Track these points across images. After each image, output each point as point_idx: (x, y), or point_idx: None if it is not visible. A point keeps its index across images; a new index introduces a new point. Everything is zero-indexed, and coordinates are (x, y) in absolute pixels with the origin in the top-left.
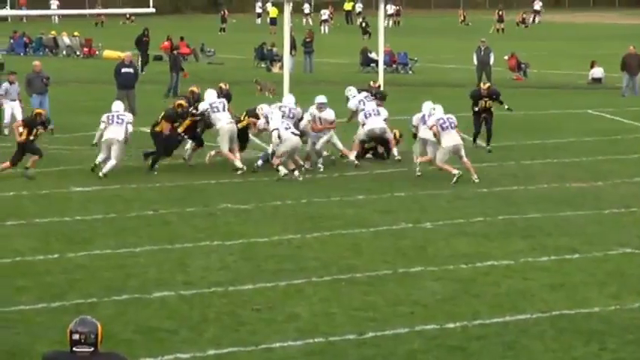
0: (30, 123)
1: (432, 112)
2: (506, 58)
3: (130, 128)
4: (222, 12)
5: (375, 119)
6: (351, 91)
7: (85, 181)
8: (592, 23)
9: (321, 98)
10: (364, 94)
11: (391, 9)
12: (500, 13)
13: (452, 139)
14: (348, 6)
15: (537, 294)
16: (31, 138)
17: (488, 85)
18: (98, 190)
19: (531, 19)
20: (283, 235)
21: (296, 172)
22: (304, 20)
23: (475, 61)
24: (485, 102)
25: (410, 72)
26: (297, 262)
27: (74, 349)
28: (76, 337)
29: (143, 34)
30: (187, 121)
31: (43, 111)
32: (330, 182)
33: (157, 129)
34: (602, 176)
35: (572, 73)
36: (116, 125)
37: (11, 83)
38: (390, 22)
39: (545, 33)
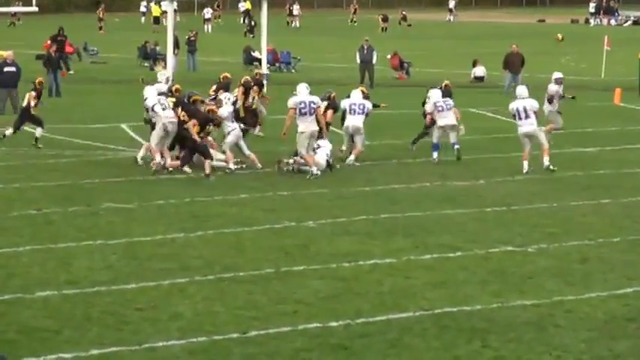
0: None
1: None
2: (388, 57)
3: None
4: (98, 10)
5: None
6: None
7: None
8: (474, 22)
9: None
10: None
11: (296, 10)
12: (384, 13)
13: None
14: (248, 5)
15: (419, 292)
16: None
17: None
18: None
19: (452, 17)
20: (167, 234)
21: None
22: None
23: (358, 60)
24: None
25: (293, 70)
26: (180, 261)
27: None
28: None
29: (58, 33)
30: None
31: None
32: (213, 181)
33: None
34: (484, 174)
35: (455, 72)
36: None
37: None
38: (297, 22)
39: (428, 32)
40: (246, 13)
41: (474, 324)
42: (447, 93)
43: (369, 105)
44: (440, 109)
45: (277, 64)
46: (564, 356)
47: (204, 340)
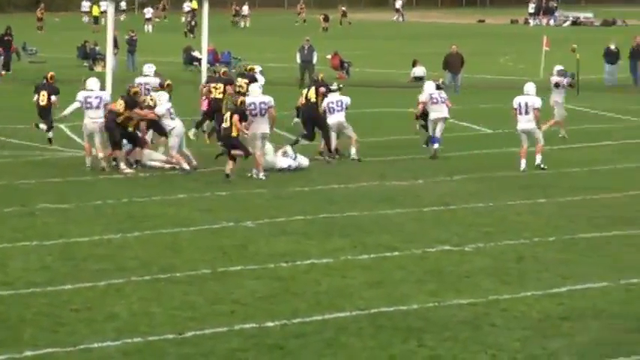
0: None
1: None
2: (329, 57)
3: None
4: (38, 10)
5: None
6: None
7: None
8: (415, 22)
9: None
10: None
11: (246, 10)
12: (325, 12)
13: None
14: (194, 4)
15: (356, 292)
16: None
17: None
18: None
19: (401, 17)
20: (104, 235)
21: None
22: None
23: (298, 60)
24: None
25: (233, 71)
26: (117, 262)
27: None
28: None
29: (5, 32)
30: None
31: None
32: (151, 181)
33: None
34: (423, 174)
35: (395, 72)
36: None
37: None
38: (247, 23)
39: (369, 32)
40: (191, 13)
41: (410, 323)
42: (438, 87)
43: (347, 100)
44: (435, 101)
45: (217, 64)
46: (499, 355)
47: (139, 340)
